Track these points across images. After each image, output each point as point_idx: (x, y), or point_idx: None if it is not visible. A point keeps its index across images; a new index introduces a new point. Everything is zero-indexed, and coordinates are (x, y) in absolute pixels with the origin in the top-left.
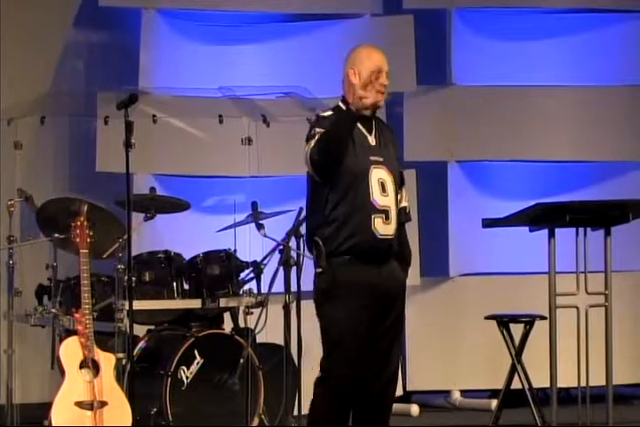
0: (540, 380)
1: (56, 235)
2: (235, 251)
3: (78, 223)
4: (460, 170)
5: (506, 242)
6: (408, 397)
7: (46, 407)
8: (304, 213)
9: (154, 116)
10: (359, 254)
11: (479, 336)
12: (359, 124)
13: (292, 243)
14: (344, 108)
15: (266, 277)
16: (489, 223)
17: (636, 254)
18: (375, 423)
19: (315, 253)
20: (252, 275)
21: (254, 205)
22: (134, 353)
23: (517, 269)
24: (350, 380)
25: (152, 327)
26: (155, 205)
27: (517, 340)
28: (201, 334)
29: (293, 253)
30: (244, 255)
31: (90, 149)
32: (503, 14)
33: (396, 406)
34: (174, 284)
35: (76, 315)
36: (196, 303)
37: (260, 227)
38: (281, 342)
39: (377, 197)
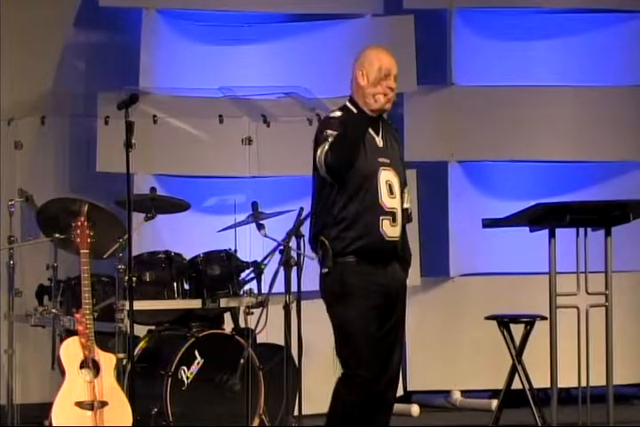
0: (541, 380)
1: (56, 235)
2: (235, 251)
3: (79, 223)
4: (460, 170)
5: (506, 242)
6: (408, 397)
7: (46, 407)
8: (305, 213)
9: (154, 116)
10: (365, 255)
11: (479, 336)
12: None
13: (293, 243)
14: (352, 107)
15: (266, 278)
16: (489, 223)
17: (636, 254)
18: (376, 424)
19: (320, 254)
20: (252, 275)
21: (255, 205)
22: (134, 353)
23: (518, 269)
24: (370, 377)
25: (152, 328)
26: (155, 205)
27: (518, 340)
28: (201, 334)
29: (294, 254)
30: (245, 255)
31: (90, 149)
32: (503, 14)
33: (397, 406)
34: (175, 284)
35: (77, 315)
36: (196, 303)
37: (260, 227)
38: (281, 342)
39: (385, 199)
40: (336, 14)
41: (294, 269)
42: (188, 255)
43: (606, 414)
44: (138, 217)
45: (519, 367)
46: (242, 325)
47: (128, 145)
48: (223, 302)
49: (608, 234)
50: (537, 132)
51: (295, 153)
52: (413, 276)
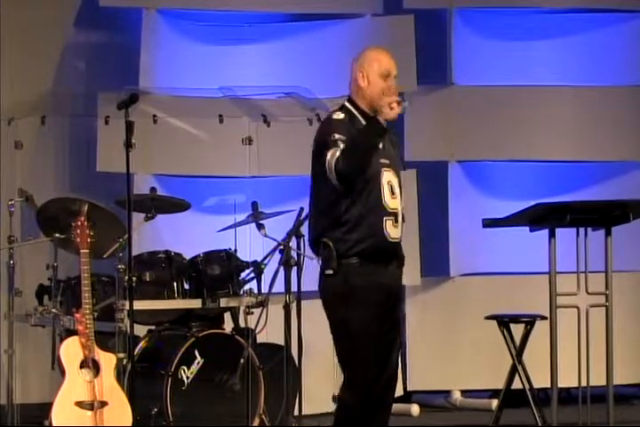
0: (541, 380)
1: (56, 235)
2: (235, 251)
3: (79, 223)
4: (460, 170)
5: (506, 242)
6: (408, 397)
7: (46, 407)
8: (305, 213)
9: (154, 116)
10: (369, 256)
11: (479, 336)
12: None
13: (293, 243)
14: (352, 108)
15: (266, 278)
16: (489, 223)
17: (636, 254)
18: (376, 424)
19: (324, 255)
20: (252, 275)
21: (255, 205)
22: (134, 353)
23: (518, 269)
24: (371, 377)
25: (152, 327)
26: (155, 205)
27: (518, 340)
28: (201, 334)
29: (294, 254)
30: (245, 255)
31: (90, 149)
32: (503, 14)
33: (397, 406)
34: (175, 284)
35: (77, 315)
36: (196, 303)
37: (260, 227)
38: (281, 342)
39: (387, 200)
40: (336, 14)
41: (294, 269)
42: (188, 255)
43: (606, 414)
44: (138, 217)
45: (519, 367)
46: (242, 324)
47: (128, 145)
48: (223, 302)
49: (608, 234)
50: (537, 132)
51: (295, 153)
52: (413, 276)
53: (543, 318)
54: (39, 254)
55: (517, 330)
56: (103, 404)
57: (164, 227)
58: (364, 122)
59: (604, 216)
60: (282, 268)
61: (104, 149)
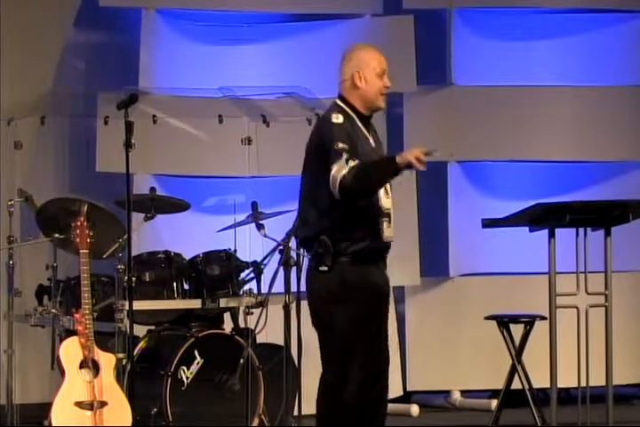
0: (540, 380)
1: (56, 235)
2: (235, 251)
3: (78, 223)
4: (459, 170)
5: (506, 242)
6: (408, 397)
7: (46, 407)
8: None
9: (154, 116)
10: (363, 256)
11: (479, 336)
12: (361, 126)
13: (293, 243)
14: (347, 109)
15: (266, 278)
16: (489, 223)
17: (636, 254)
18: (374, 420)
19: (320, 252)
20: (252, 275)
21: (254, 205)
22: (134, 353)
23: (517, 269)
24: (361, 377)
25: (152, 328)
26: (155, 205)
27: (517, 340)
28: (201, 334)
29: (293, 254)
30: (244, 255)
31: (90, 149)
32: (503, 14)
33: (396, 407)
34: (174, 284)
35: (76, 315)
36: (196, 303)
37: (260, 227)
38: (281, 342)
39: (383, 200)
40: (335, 14)
41: (294, 270)
42: (187, 255)
43: (606, 414)
44: (137, 217)
45: (519, 367)
46: (241, 325)
47: (128, 145)
48: (223, 302)
49: (608, 234)
50: (537, 132)
51: (295, 153)
52: (413, 276)
53: (543, 318)
54: (39, 255)
55: (517, 330)
56: (103, 404)
57: (163, 227)
58: (359, 123)
59: (603, 216)
60: (281, 268)
61: (104, 150)
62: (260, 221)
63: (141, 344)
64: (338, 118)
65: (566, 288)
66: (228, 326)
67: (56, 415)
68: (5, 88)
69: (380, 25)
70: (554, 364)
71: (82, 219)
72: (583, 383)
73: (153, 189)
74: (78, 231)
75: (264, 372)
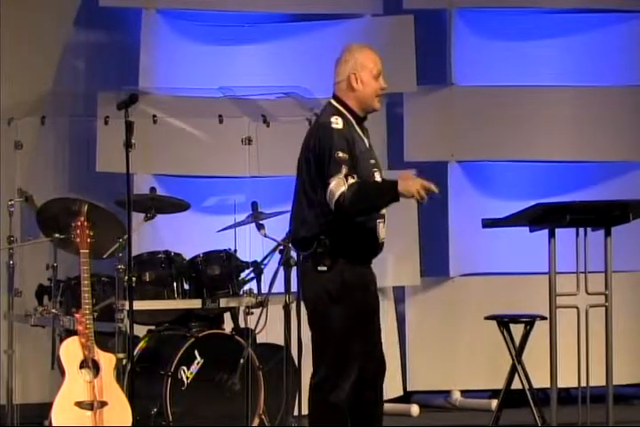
0: (540, 380)
1: (56, 235)
2: (235, 251)
3: (78, 223)
4: (460, 170)
5: (506, 242)
6: (408, 397)
7: (46, 407)
8: None
9: (154, 116)
10: (359, 256)
11: (479, 336)
12: (357, 128)
13: None
14: (344, 111)
15: (266, 278)
16: (489, 223)
17: (636, 254)
18: (373, 418)
19: (320, 251)
20: (252, 275)
21: (254, 205)
22: (134, 353)
23: (518, 269)
24: (355, 378)
25: (152, 328)
26: (155, 205)
27: (518, 340)
28: (201, 334)
29: (293, 254)
30: (245, 255)
31: (90, 149)
32: (503, 14)
33: (396, 407)
34: (174, 284)
35: (77, 315)
36: (196, 303)
37: (260, 227)
38: (281, 342)
39: None
40: (336, 14)
41: (294, 270)
42: (187, 255)
43: (606, 414)
44: (138, 217)
45: (519, 367)
46: (242, 325)
47: (128, 145)
48: (223, 302)
49: (608, 234)
50: (537, 132)
51: (295, 153)
52: (413, 276)
53: (543, 318)
54: (39, 255)
55: (517, 330)
56: (103, 404)
57: (163, 227)
58: (355, 124)
59: (603, 216)
60: (281, 268)
61: (104, 150)
62: (260, 221)
63: (141, 344)
64: (338, 123)
65: (566, 288)
66: (228, 326)
67: (56, 415)
68: (5, 88)
69: (380, 25)
70: (554, 364)
71: (82, 219)
72: (583, 383)
73: (153, 189)
74: (78, 231)
75: (264, 372)
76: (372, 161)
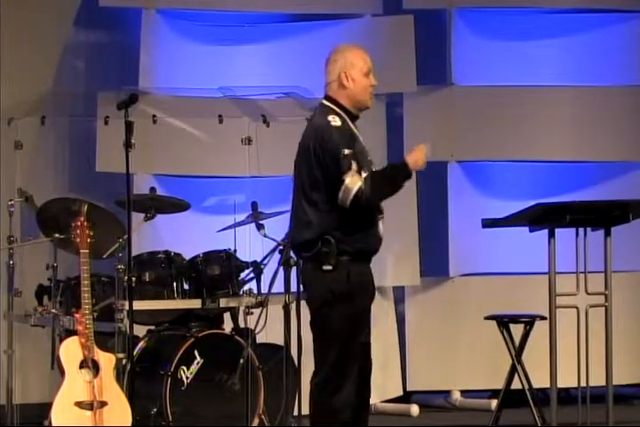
0: (540, 380)
1: (56, 235)
2: (235, 251)
3: (78, 223)
4: (460, 170)
5: (506, 242)
6: (408, 397)
7: (46, 407)
8: None
9: (154, 116)
10: (362, 255)
11: (479, 336)
12: (352, 126)
13: None
14: (339, 111)
15: (266, 278)
16: (489, 223)
17: (636, 254)
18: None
19: (325, 251)
20: (252, 275)
21: (254, 205)
22: (134, 353)
23: (517, 269)
24: (355, 379)
25: (152, 327)
26: (155, 205)
27: (517, 340)
28: (201, 334)
29: (293, 254)
30: (244, 255)
31: (90, 149)
32: (503, 14)
33: (396, 407)
34: (174, 284)
35: (76, 315)
36: (196, 303)
37: (259, 227)
38: (281, 342)
39: None
40: (336, 14)
41: (294, 269)
42: (187, 255)
43: (606, 414)
44: (138, 217)
45: (519, 367)
46: (241, 325)
47: (128, 145)
48: (223, 302)
49: (608, 234)
50: (537, 132)
51: (295, 153)
52: (413, 276)
53: (543, 318)
54: (39, 255)
55: (517, 330)
56: (103, 404)
57: (163, 227)
58: (351, 124)
59: (603, 216)
60: (281, 268)
61: (104, 149)
62: (260, 221)
63: (141, 344)
64: (336, 121)
65: (566, 288)
66: (227, 326)
67: (56, 415)
68: (5, 88)
69: (380, 25)
70: (554, 364)
71: (82, 219)
72: (583, 383)
73: (153, 189)
74: (78, 231)
75: (264, 372)
76: (370, 158)
